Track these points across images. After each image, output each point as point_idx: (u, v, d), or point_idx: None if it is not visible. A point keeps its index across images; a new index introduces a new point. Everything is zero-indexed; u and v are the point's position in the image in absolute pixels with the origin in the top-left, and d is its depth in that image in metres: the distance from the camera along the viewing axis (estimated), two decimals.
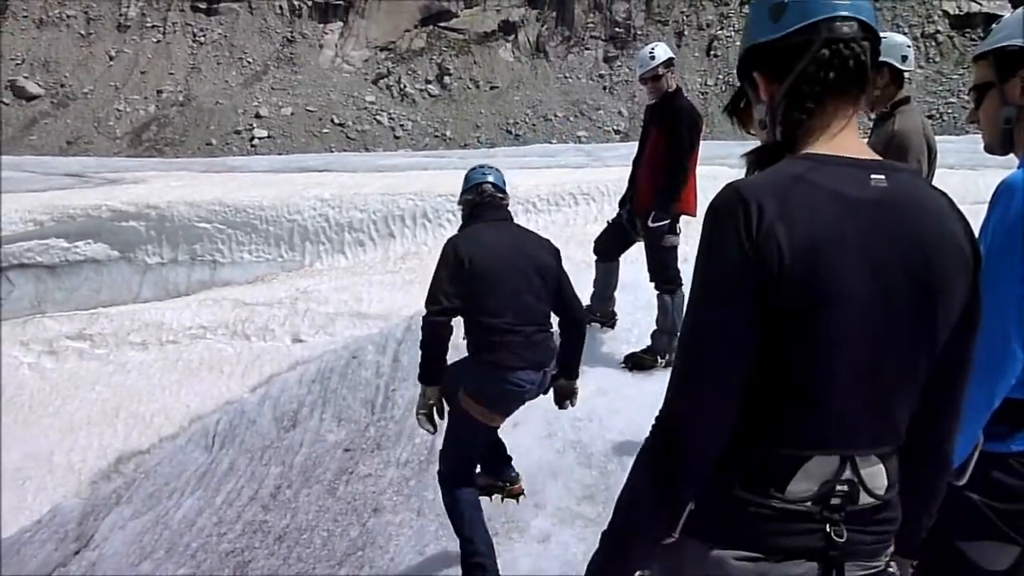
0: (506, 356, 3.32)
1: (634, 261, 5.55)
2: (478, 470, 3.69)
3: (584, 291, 5.72)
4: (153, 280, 11.22)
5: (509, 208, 3.67)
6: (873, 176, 1.32)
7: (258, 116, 23.66)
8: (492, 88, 25.55)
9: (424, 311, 3.35)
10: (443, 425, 3.53)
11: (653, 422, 1.37)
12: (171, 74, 24.69)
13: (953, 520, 1.81)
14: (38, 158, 17.86)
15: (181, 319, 9.89)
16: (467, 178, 3.66)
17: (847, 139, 1.38)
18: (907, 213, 1.32)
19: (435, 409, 3.46)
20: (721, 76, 28.02)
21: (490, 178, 3.60)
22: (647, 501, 1.37)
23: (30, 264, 11.11)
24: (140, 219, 11.20)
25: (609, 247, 5.47)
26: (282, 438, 6.28)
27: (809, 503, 1.31)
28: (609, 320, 5.61)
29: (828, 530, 1.31)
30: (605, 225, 5.56)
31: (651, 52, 5.06)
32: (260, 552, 5.05)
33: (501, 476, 3.81)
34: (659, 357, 5.12)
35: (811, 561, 1.32)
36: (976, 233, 1.40)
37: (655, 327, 5.17)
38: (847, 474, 1.32)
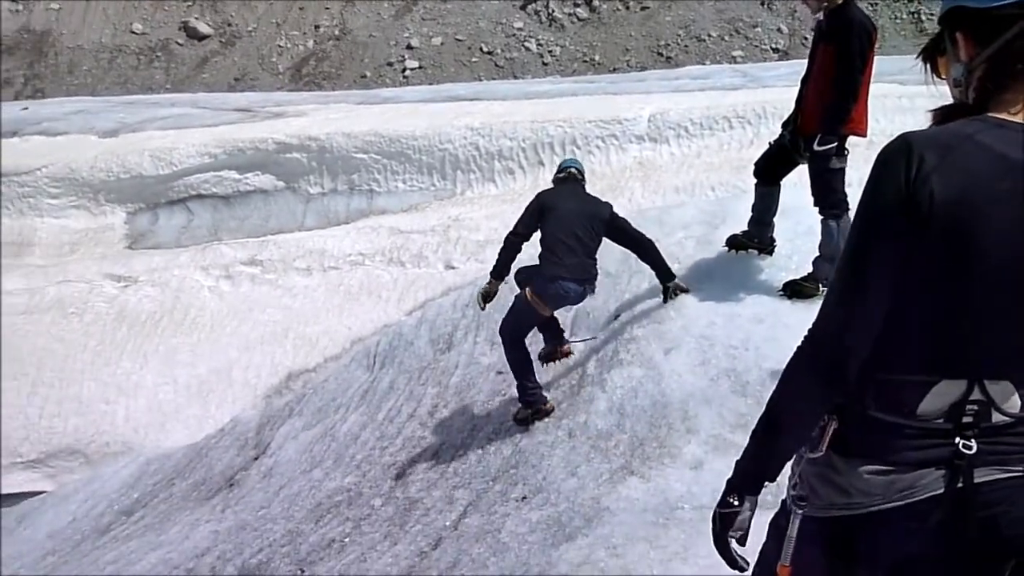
0: (559, 268, 4.84)
1: (794, 185, 5.28)
2: (542, 344, 5.54)
3: (742, 217, 5.50)
4: (316, 209, 11.75)
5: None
6: None
7: (409, 47, 23.96)
8: (643, 9, 24.63)
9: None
10: (490, 307, 5.21)
11: (803, 337, 1.50)
12: (327, 8, 25.30)
13: None
14: (210, 95, 18.93)
15: (341, 246, 10.37)
16: (560, 166, 5.49)
17: None
18: None
19: (491, 296, 5.04)
20: None
21: (574, 167, 5.43)
22: (800, 401, 1.51)
23: (207, 195, 11.91)
24: (302, 151, 11.70)
25: (770, 170, 5.21)
26: (438, 360, 6.51)
27: (940, 420, 1.43)
28: (767, 247, 5.38)
29: (957, 443, 1.42)
30: (766, 147, 5.30)
31: None
32: (419, 466, 5.31)
33: (560, 343, 5.50)
34: (820, 285, 4.88)
35: (939, 470, 1.43)
36: None
37: (817, 253, 4.92)
38: (976, 395, 1.42)
